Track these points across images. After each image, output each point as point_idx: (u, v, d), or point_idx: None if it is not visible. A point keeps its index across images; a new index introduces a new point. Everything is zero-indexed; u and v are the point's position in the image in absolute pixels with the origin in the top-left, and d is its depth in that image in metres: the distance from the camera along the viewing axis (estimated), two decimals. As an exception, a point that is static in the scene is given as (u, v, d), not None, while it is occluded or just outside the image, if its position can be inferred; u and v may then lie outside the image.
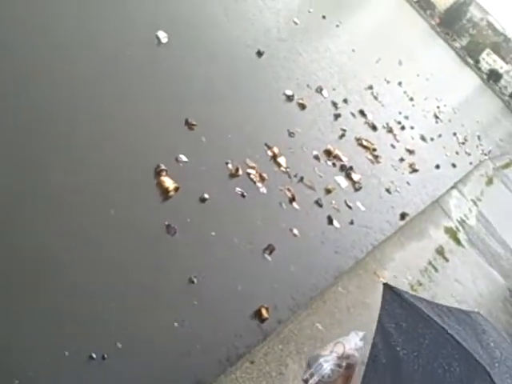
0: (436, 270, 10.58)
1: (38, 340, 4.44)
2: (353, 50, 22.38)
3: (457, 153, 23.28)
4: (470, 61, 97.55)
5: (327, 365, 4.45)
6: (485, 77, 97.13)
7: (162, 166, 6.99)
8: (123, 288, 5.45)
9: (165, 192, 6.79)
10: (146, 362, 4.97)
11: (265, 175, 8.85)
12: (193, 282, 6.11)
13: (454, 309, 4.51)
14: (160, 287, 5.81)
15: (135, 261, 5.80)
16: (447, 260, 11.48)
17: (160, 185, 6.83)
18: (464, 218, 14.93)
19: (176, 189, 6.88)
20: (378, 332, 4.21)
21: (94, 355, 4.61)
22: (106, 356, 4.66)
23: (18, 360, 4.25)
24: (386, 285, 4.51)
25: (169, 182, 6.88)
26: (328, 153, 11.79)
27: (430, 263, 10.64)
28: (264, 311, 6.44)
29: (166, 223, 6.41)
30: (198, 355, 5.41)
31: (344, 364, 4.42)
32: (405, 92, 24.97)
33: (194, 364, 5.32)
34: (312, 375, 4.54)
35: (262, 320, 6.39)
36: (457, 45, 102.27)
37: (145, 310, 5.41)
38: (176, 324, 5.52)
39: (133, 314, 5.28)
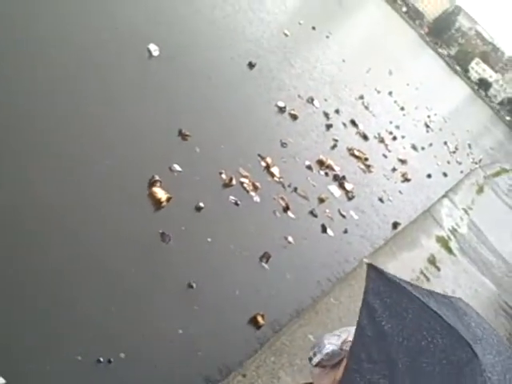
0: (428, 279, 10.62)
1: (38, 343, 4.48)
2: (343, 61, 22.57)
3: (448, 162, 23.46)
4: (460, 70, 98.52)
5: (330, 346, 4.53)
6: (475, 86, 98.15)
7: (157, 177, 7.04)
8: (122, 296, 5.48)
9: (157, 203, 6.83)
10: (144, 373, 4.99)
11: (258, 184, 8.90)
12: (192, 287, 6.17)
13: (434, 292, 4.59)
14: (159, 294, 5.85)
15: (133, 269, 5.82)
16: (439, 269, 11.53)
17: (152, 196, 6.87)
18: (455, 227, 15.03)
19: (168, 199, 6.92)
20: (363, 309, 4.23)
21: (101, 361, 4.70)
22: (110, 363, 4.74)
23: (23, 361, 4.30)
24: (370, 265, 4.60)
25: (161, 193, 6.92)
26: (320, 163, 11.87)
27: (421, 272, 10.68)
28: (260, 318, 6.48)
29: (160, 231, 6.44)
30: (195, 364, 5.41)
31: (346, 349, 4.51)
32: (395, 101, 25.18)
33: (191, 374, 5.31)
34: (315, 354, 4.66)
35: (258, 327, 6.43)
36: (445, 53, 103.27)
37: (145, 318, 5.44)
38: (180, 331, 5.58)
39: (134, 322, 5.31)
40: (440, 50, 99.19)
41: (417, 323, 3.98)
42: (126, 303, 5.45)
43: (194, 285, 6.20)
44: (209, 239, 7.07)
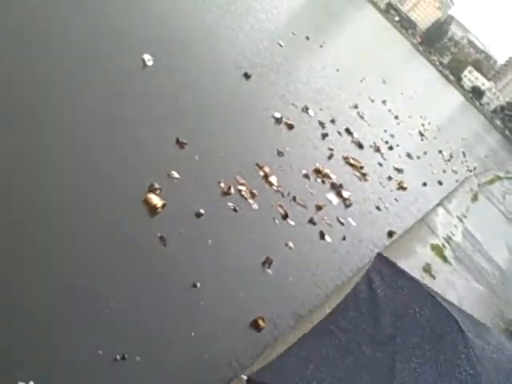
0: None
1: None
2: (337, 70, 22.71)
3: (443, 171, 23.58)
4: (453, 78, 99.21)
5: None
6: (468, 94, 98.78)
7: (156, 185, 7.17)
8: (125, 298, 5.58)
9: (153, 209, 6.93)
10: (153, 375, 5.15)
11: (255, 192, 9.06)
12: (196, 286, 6.41)
13: (453, 304, 4.92)
14: (164, 295, 6.01)
15: (137, 271, 5.99)
16: (434, 278, 11.56)
17: (147, 202, 6.96)
18: (450, 235, 15.08)
19: (163, 205, 7.03)
20: (363, 279, 4.87)
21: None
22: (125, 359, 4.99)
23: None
24: (379, 254, 5.32)
25: (156, 200, 7.03)
26: (317, 171, 12.02)
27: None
28: (261, 322, 6.63)
29: (159, 235, 6.59)
30: (201, 370, 5.56)
31: None
32: (389, 110, 25.33)
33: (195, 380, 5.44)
34: None
35: (259, 330, 6.59)
36: (438, 62, 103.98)
37: (153, 319, 5.62)
38: (193, 333, 5.78)
39: (142, 323, 5.48)
40: (433, 59, 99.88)
41: (409, 297, 4.60)
42: (131, 303, 5.58)
43: (198, 284, 6.43)
44: (209, 241, 7.27)
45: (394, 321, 4.41)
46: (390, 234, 12.47)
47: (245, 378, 4.44)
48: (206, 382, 5.44)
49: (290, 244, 8.70)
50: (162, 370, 5.17)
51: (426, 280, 11.02)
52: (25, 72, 7.12)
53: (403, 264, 10.92)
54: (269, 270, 7.71)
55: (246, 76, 13.17)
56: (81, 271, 5.39)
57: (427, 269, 11.71)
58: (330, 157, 13.49)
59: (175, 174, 7.76)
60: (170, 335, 5.62)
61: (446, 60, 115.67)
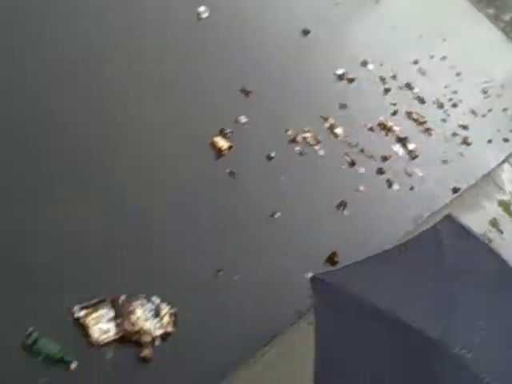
0: (490, 241, 10.48)
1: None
2: (394, 26, 21.92)
3: (510, 130, 22.63)
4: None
5: None
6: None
7: (227, 130, 7.52)
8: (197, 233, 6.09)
9: (219, 151, 7.26)
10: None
11: (320, 138, 9.30)
12: (273, 216, 6.91)
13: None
14: (242, 225, 6.52)
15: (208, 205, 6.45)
16: (502, 232, 11.36)
17: (213, 145, 7.29)
18: (517, 191, 14.61)
19: (230, 147, 7.33)
20: (429, 229, 4.84)
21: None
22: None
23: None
24: (447, 215, 5.27)
25: (222, 142, 7.34)
26: (381, 124, 11.93)
27: (484, 235, 10.53)
28: (336, 258, 6.96)
29: (228, 171, 7.04)
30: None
31: None
32: (450, 67, 24.37)
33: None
34: None
35: (335, 264, 6.84)
36: (500, 19, 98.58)
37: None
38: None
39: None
40: (493, 14, 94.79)
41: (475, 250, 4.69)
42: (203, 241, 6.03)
43: (277, 214, 6.92)
44: (282, 178, 7.70)
45: (457, 266, 4.39)
46: (455, 190, 12.20)
47: (310, 275, 4.55)
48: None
49: (361, 188, 8.96)
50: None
51: (493, 234, 10.88)
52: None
53: (469, 218, 10.82)
54: (345, 212, 8.08)
55: (305, 32, 13.01)
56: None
57: (494, 223, 11.49)
58: (394, 112, 13.24)
59: (243, 119, 7.98)
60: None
61: (507, 17, 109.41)
